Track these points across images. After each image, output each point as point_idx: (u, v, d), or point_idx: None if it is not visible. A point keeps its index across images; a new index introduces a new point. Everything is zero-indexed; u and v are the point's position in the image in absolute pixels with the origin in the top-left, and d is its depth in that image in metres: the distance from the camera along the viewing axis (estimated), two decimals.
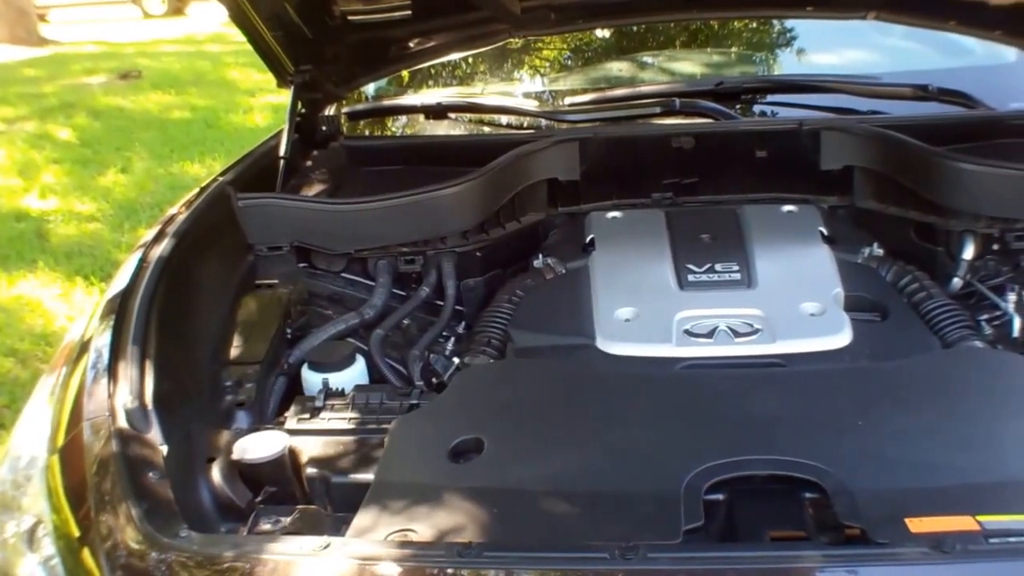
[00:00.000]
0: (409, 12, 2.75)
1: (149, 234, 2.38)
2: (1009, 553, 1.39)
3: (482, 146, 2.91)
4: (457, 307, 2.64)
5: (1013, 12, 2.73)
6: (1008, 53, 3.09)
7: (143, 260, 2.20)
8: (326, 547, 1.44)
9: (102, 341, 1.96)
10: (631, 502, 1.59)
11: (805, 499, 1.58)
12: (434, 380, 2.30)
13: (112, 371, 1.86)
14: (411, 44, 3.12)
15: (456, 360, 2.32)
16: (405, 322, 2.55)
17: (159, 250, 2.21)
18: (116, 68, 12.91)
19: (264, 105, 10.14)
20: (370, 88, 3.50)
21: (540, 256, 2.59)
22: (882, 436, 1.73)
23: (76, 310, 5.12)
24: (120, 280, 2.18)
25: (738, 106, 3.06)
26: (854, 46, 3.46)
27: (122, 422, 1.73)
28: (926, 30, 3.09)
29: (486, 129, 3.22)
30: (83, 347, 2.01)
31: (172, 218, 2.41)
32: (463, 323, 2.62)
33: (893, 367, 2.01)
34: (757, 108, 3.15)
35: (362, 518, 1.60)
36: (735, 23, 3.75)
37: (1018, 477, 1.61)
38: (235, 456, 1.82)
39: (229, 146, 8.19)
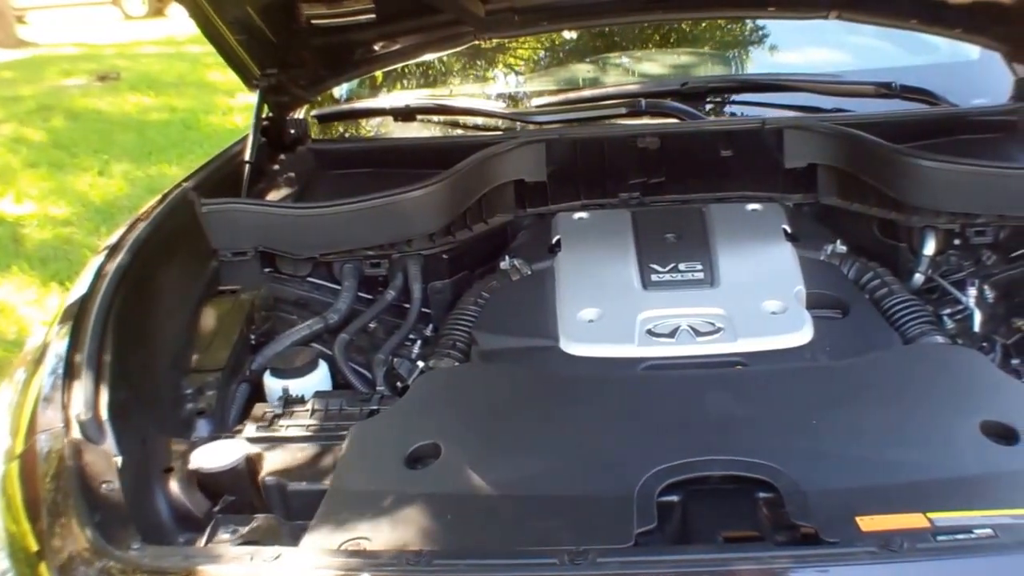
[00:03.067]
0: (373, 16, 2.75)
1: (111, 239, 2.38)
2: (956, 551, 1.40)
3: (450, 148, 2.90)
4: (425, 310, 2.64)
5: (971, 10, 2.75)
6: (971, 50, 3.11)
7: (103, 266, 2.19)
8: (277, 558, 1.45)
9: (59, 349, 1.96)
10: (586, 506, 1.60)
11: (759, 499, 1.59)
12: (398, 384, 2.30)
13: (67, 380, 1.85)
14: (376, 47, 3.13)
15: (421, 363, 2.32)
16: (371, 326, 2.55)
17: (119, 257, 2.21)
18: (94, 70, 12.83)
19: (244, 106, 10.05)
20: (342, 90, 3.50)
21: (507, 258, 2.59)
22: (837, 434, 1.74)
23: (50, 315, 5.09)
24: (80, 286, 2.17)
25: (703, 106, 3.07)
26: (819, 45, 3.48)
27: (76, 433, 1.73)
28: (890, 29, 3.10)
29: (455, 131, 3.22)
30: (42, 354, 2.01)
31: (135, 224, 2.41)
32: (430, 326, 2.63)
33: (851, 365, 2.02)
34: (722, 108, 3.16)
35: (316, 527, 1.59)
36: (700, 24, 3.75)
37: (971, 473, 1.62)
38: (192, 465, 1.82)
39: (208, 147, 8.14)
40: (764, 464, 1.60)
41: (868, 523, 1.47)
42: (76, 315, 2.04)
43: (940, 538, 1.41)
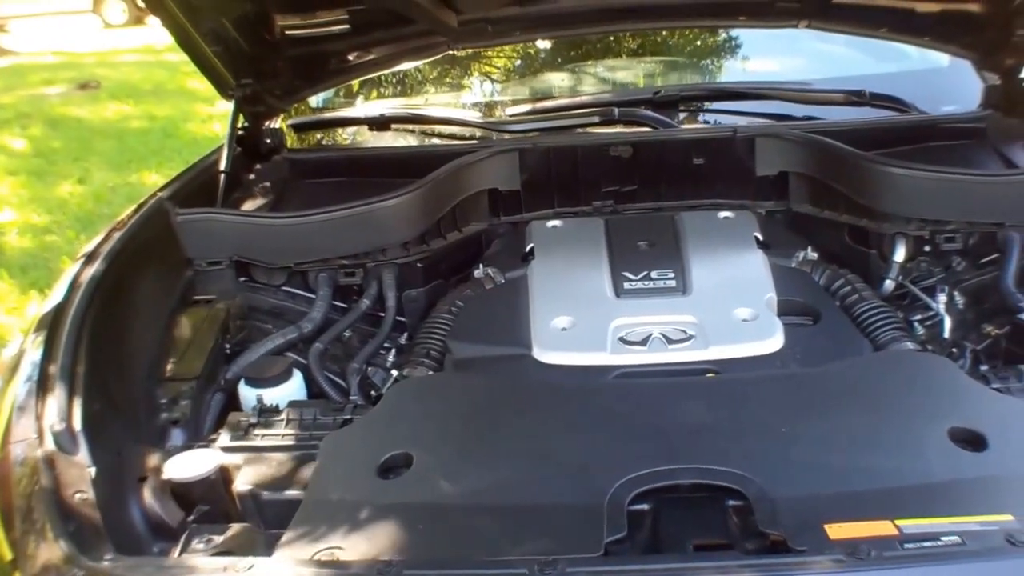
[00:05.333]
0: (347, 26, 2.76)
1: (87, 248, 2.38)
2: (923, 558, 1.41)
3: (424, 157, 2.92)
4: (399, 318, 2.65)
5: (940, 18, 2.78)
6: (941, 58, 3.14)
7: (78, 275, 2.19)
8: (250, 568, 1.45)
9: (33, 358, 1.96)
10: (557, 515, 1.61)
11: (729, 507, 1.60)
12: (372, 393, 2.30)
13: (42, 390, 1.86)
14: (351, 57, 3.14)
15: (395, 372, 2.33)
16: (346, 335, 2.56)
17: (94, 266, 2.21)
18: (75, 78, 12.78)
19: (223, 114, 9.84)
20: (318, 99, 3.51)
21: (481, 266, 2.61)
22: (807, 442, 1.76)
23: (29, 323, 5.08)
24: (55, 295, 2.18)
25: (676, 114, 3.09)
26: (791, 53, 3.50)
27: (49, 444, 1.73)
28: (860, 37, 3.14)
29: (430, 140, 3.24)
30: (17, 363, 2.01)
31: (110, 233, 2.41)
32: (405, 334, 2.63)
33: (821, 372, 2.03)
34: (695, 116, 3.18)
35: (290, 537, 1.60)
36: (673, 33, 3.77)
37: (939, 480, 1.64)
38: (166, 475, 1.82)
39: (187, 155, 8.07)
40: (734, 472, 1.61)
41: (836, 531, 1.48)
42: (51, 324, 2.04)
43: (907, 546, 1.43)
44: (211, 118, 10.14)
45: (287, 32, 2.79)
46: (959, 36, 2.88)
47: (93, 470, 1.70)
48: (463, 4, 2.84)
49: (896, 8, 2.84)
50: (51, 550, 1.55)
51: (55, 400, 1.82)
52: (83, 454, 1.73)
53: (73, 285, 2.15)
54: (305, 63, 3.03)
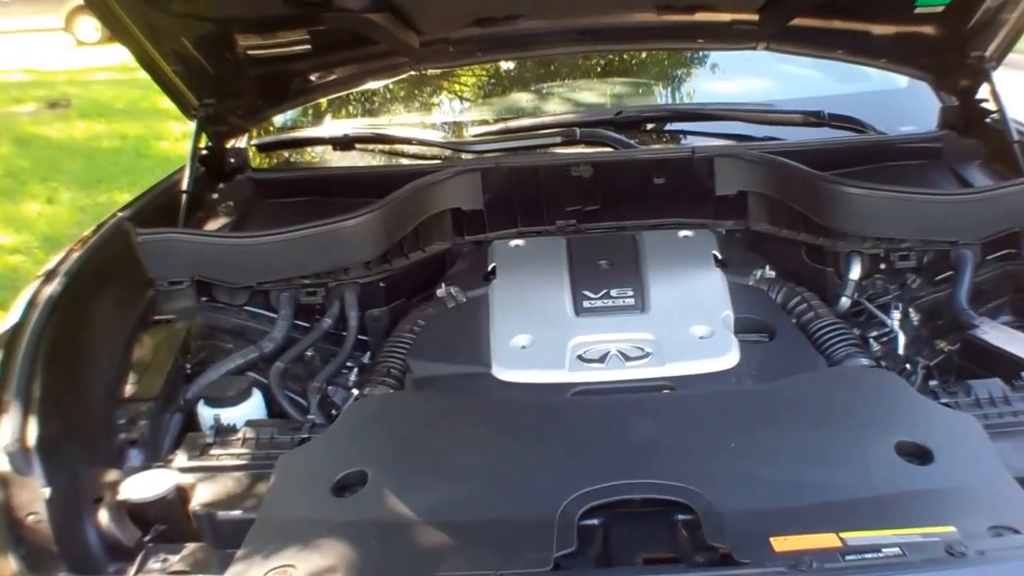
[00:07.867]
0: (309, 47, 2.78)
1: (45, 267, 2.37)
2: (864, 569, 1.44)
3: (388, 177, 2.94)
4: (362, 337, 2.66)
5: (896, 40, 2.82)
6: (900, 79, 3.19)
7: (35, 295, 2.19)
8: None
9: None
10: (508, 531, 1.62)
11: (678, 521, 1.62)
12: (333, 412, 2.31)
13: None
14: (314, 77, 3.15)
15: (355, 392, 2.34)
16: (308, 354, 2.57)
17: (52, 285, 2.20)
18: (45, 97, 12.70)
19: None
20: (285, 118, 3.52)
21: (443, 285, 2.62)
22: (756, 456, 1.78)
23: None
24: (12, 315, 2.17)
25: (639, 135, 3.12)
26: (752, 74, 3.54)
27: (3, 464, 1.74)
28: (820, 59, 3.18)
29: (395, 160, 3.26)
30: None
31: (69, 253, 2.41)
32: (367, 353, 2.64)
33: (773, 388, 2.06)
34: (656, 137, 3.20)
35: (243, 556, 1.60)
36: (635, 54, 3.81)
37: (885, 492, 1.66)
38: (122, 496, 1.82)
39: (158, 174, 7.88)
40: (683, 487, 1.63)
41: (781, 543, 1.50)
42: (7, 344, 2.04)
43: (849, 557, 1.45)
44: (183, 137, 10.06)
45: (249, 52, 2.81)
46: (916, 58, 2.94)
47: (47, 491, 1.71)
48: (424, 25, 2.86)
49: (854, 30, 2.89)
50: (3, 573, 1.56)
51: (9, 420, 1.82)
52: (37, 475, 1.73)
53: (31, 304, 2.15)
54: (268, 83, 3.05)
